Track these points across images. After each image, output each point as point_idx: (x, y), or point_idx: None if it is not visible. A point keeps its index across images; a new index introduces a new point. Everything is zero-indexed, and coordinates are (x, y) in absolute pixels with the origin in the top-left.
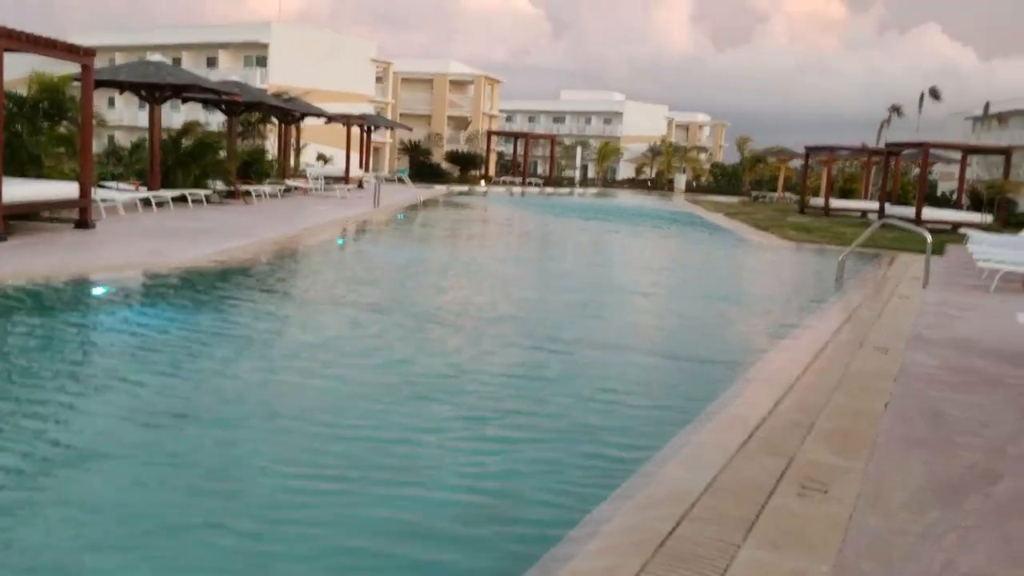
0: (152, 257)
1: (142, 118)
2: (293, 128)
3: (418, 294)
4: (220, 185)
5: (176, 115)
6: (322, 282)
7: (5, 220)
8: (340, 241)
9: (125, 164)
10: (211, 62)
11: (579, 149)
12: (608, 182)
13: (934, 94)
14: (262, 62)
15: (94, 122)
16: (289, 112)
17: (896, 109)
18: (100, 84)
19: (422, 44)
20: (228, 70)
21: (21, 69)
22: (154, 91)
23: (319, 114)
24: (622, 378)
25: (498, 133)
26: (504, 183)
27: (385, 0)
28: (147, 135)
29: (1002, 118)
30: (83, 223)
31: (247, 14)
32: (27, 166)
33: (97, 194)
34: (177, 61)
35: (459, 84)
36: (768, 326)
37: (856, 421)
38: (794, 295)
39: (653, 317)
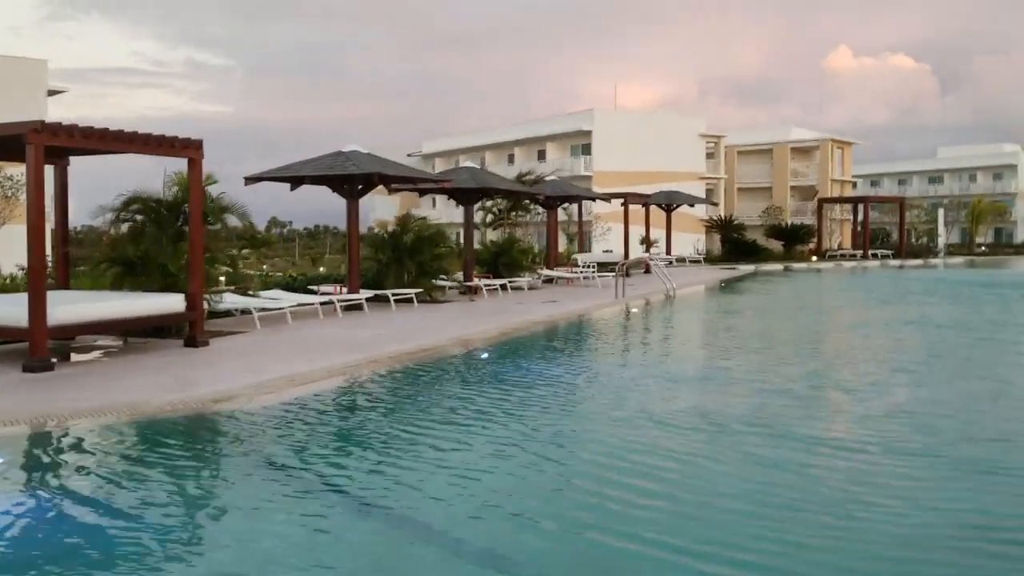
0: (165, 394)
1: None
2: (559, 213)
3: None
4: (443, 281)
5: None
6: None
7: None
8: (483, 355)
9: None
10: (540, 155)
11: (940, 212)
12: (1000, 247)
13: None
14: (587, 150)
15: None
16: (530, 196)
17: None
18: (250, 180)
19: (791, 114)
20: (555, 160)
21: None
22: (343, 184)
23: (585, 197)
24: None
25: (829, 200)
26: (838, 257)
27: (750, 76)
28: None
29: None
30: (192, 340)
31: (585, 104)
32: (149, 278)
33: (253, 302)
34: (511, 157)
35: (803, 151)
36: None
37: None
38: None
39: None
